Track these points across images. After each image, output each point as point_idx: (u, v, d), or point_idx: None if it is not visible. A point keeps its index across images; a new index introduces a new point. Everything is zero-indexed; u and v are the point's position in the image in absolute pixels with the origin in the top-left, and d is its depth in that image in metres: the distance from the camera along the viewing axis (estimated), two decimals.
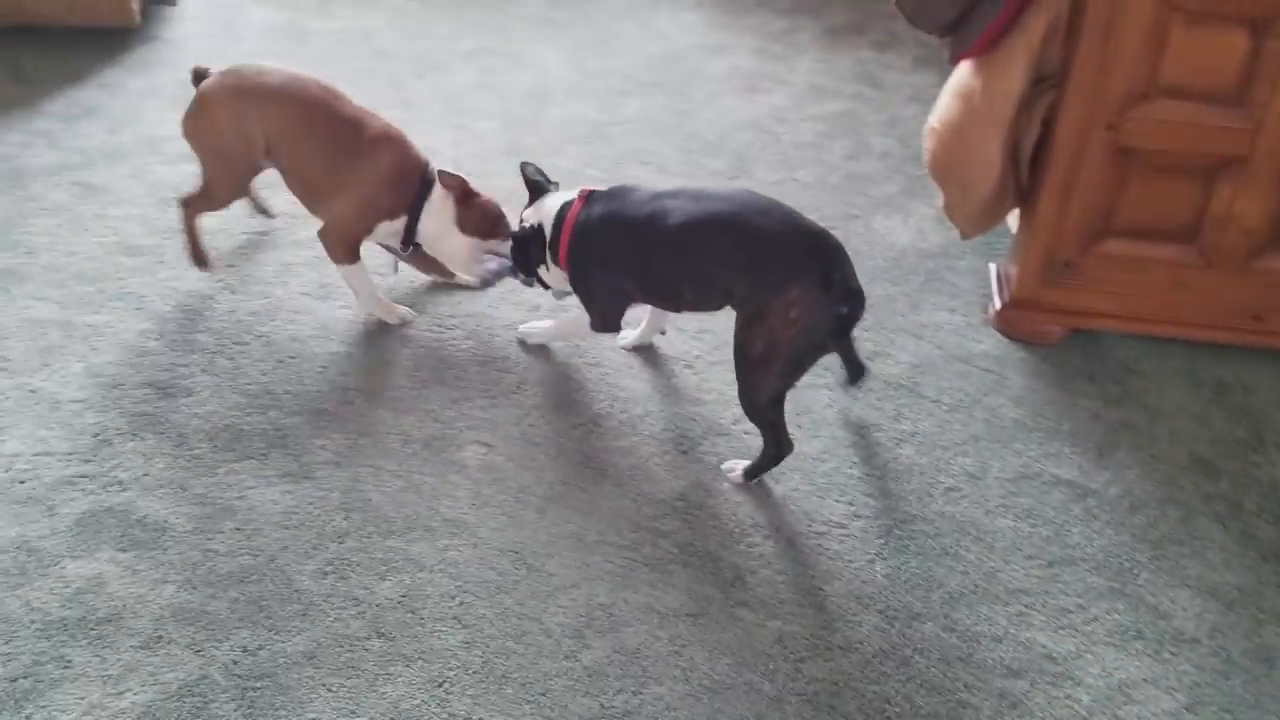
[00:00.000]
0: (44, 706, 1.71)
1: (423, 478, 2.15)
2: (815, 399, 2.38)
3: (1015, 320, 2.58)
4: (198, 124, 2.46)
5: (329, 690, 1.76)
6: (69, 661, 1.78)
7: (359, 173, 2.41)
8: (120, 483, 2.09)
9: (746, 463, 2.19)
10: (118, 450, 2.16)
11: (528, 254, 2.37)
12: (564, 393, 2.37)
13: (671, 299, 2.25)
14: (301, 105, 2.42)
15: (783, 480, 2.19)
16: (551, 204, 2.33)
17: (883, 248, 2.85)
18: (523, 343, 2.50)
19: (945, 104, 2.51)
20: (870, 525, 2.12)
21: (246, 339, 2.45)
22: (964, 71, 2.46)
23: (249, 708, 1.73)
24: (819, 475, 2.21)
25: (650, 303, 2.34)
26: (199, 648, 1.81)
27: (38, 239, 2.69)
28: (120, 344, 2.41)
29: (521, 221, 2.41)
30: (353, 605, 1.90)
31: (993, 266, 2.72)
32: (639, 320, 2.48)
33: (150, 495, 2.07)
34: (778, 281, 2.01)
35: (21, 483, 2.08)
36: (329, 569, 1.96)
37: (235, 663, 1.79)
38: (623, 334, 2.46)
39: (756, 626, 1.92)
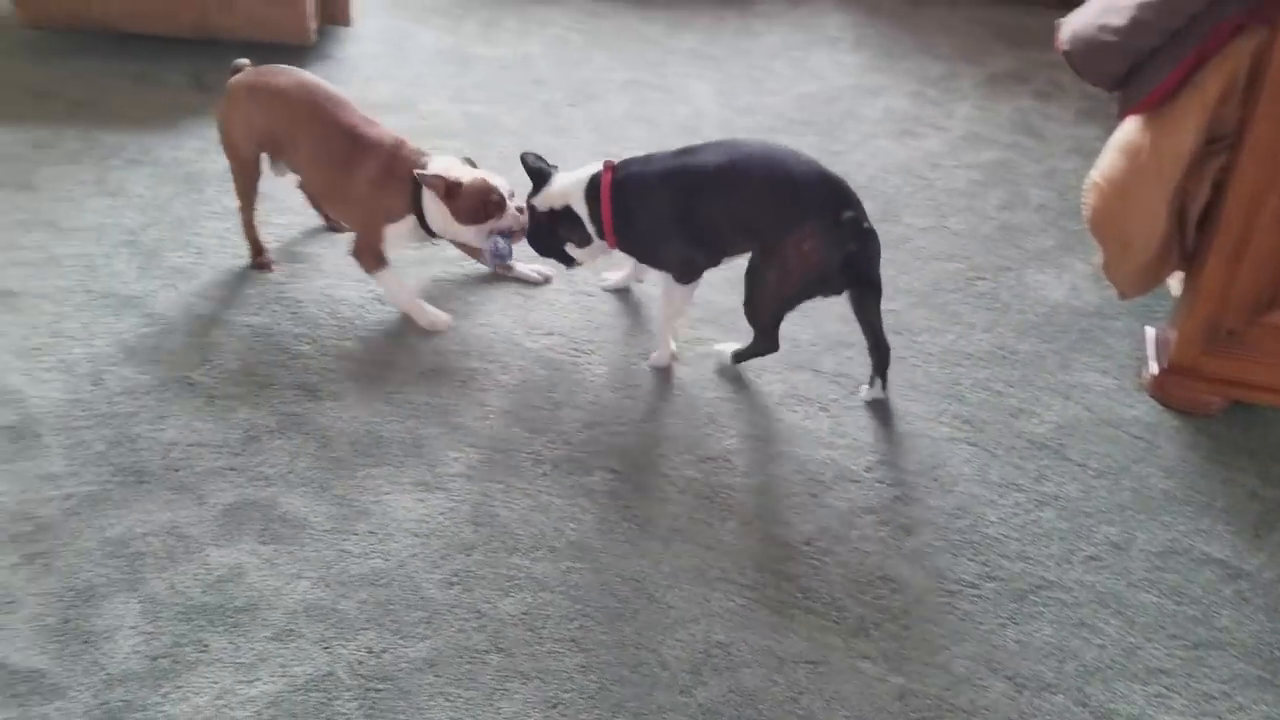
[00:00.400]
0: (179, 687, 1.79)
1: (550, 498, 2.18)
2: (954, 453, 2.32)
3: (1171, 387, 2.47)
4: (219, 114, 2.66)
5: (447, 700, 1.79)
6: (206, 646, 1.85)
7: (354, 181, 2.53)
8: (266, 478, 2.18)
9: (736, 345, 2.47)
10: (265, 446, 2.25)
11: (554, 236, 2.47)
12: (696, 426, 2.37)
13: (715, 244, 2.38)
14: (296, 106, 2.56)
15: (915, 533, 2.14)
16: (571, 183, 2.43)
17: (1034, 302, 2.77)
18: (656, 369, 2.52)
19: (1110, 159, 2.43)
20: (1004, 588, 2.04)
21: (392, 350, 2.53)
22: (1132, 127, 2.38)
23: (370, 708, 1.77)
24: (953, 532, 2.15)
25: (707, 253, 2.42)
26: (327, 644, 1.87)
27: (208, 240, 2.83)
28: (275, 346, 2.51)
29: (532, 209, 2.47)
30: (475, 618, 1.93)
31: (1150, 330, 2.61)
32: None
33: (293, 492, 2.15)
34: (796, 217, 2.22)
35: (176, 470, 2.18)
36: (455, 580, 2.00)
37: (360, 663, 1.84)
38: (606, 276, 2.72)
39: (878, 681, 1.87)
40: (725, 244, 2.39)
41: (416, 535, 2.08)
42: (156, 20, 3.61)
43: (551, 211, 2.45)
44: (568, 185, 2.43)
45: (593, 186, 2.40)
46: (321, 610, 1.92)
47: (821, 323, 2.65)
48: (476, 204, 2.47)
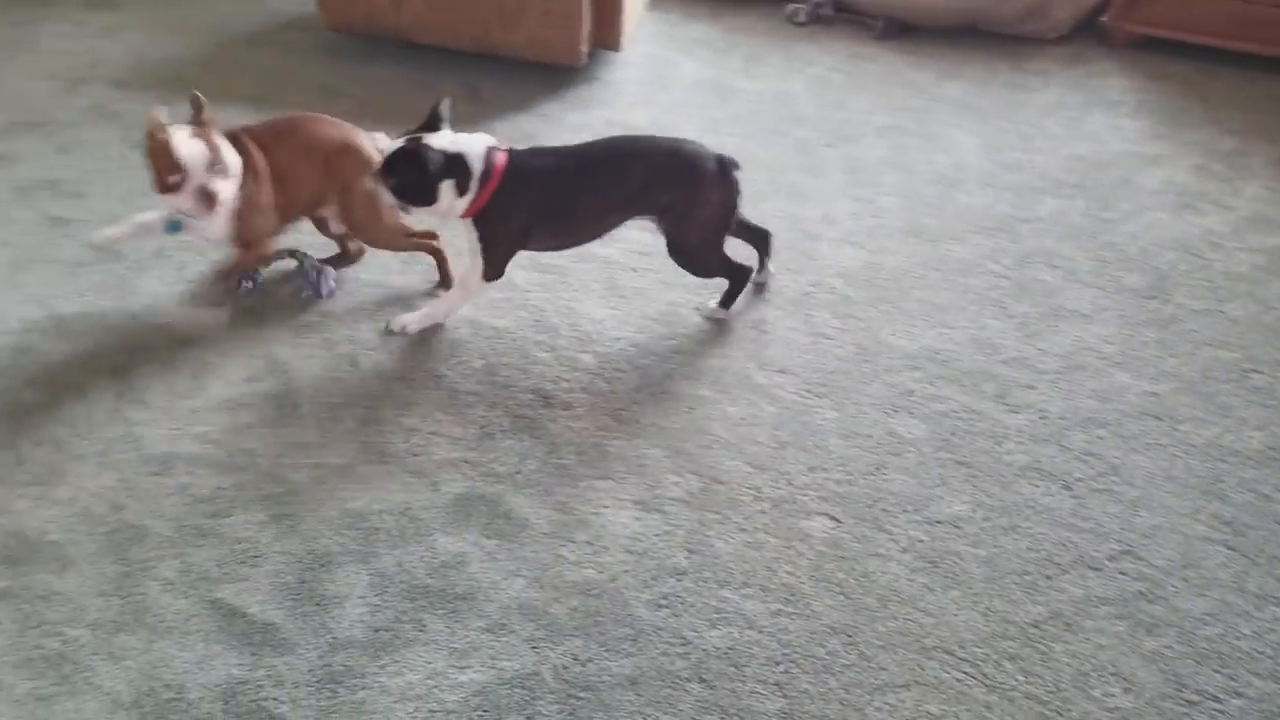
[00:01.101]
0: (396, 661, 1.86)
1: (767, 537, 2.15)
2: (1209, 554, 2.13)
3: None
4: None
5: (644, 719, 1.79)
6: (424, 626, 1.92)
7: None
8: (495, 475, 2.25)
9: (713, 304, 2.76)
10: (498, 445, 2.32)
11: (436, 177, 2.42)
12: (926, 486, 2.28)
13: (587, 229, 2.66)
14: None
15: (1156, 634, 1.98)
16: (470, 144, 2.48)
17: None
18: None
19: None
20: (1251, 707, 1.86)
21: (625, 368, 2.56)
22: None
23: (570, 714, 1.78)
24: (1200, 639, 1.97)
25: (553, 243, 2.71)
26: (535, 645, 1.90)
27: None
28: (517, 350, 2.60)
29: (426, 145, 2.39)
30: (680, 644, 1.92)
31: None
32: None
33: (519, 492, 2.21)
34: (696, 180, 2.55)
35: (415, 455, 2.28)
36: (663, 602, 1.99)
37: (565, 668, 1.86)
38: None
39: None
40: (601, 227, 2.66)
41: (630, 552, 2.09)
42: (443, 33, 3.83)
43: (445, 154, 2.42)
44: (469, 141, 2.48)
45: (489, 156, 2.48)
46: (534, 610, 1.96)
47: (1074, 396, 2.50)
48: (154, 166, 2.35)
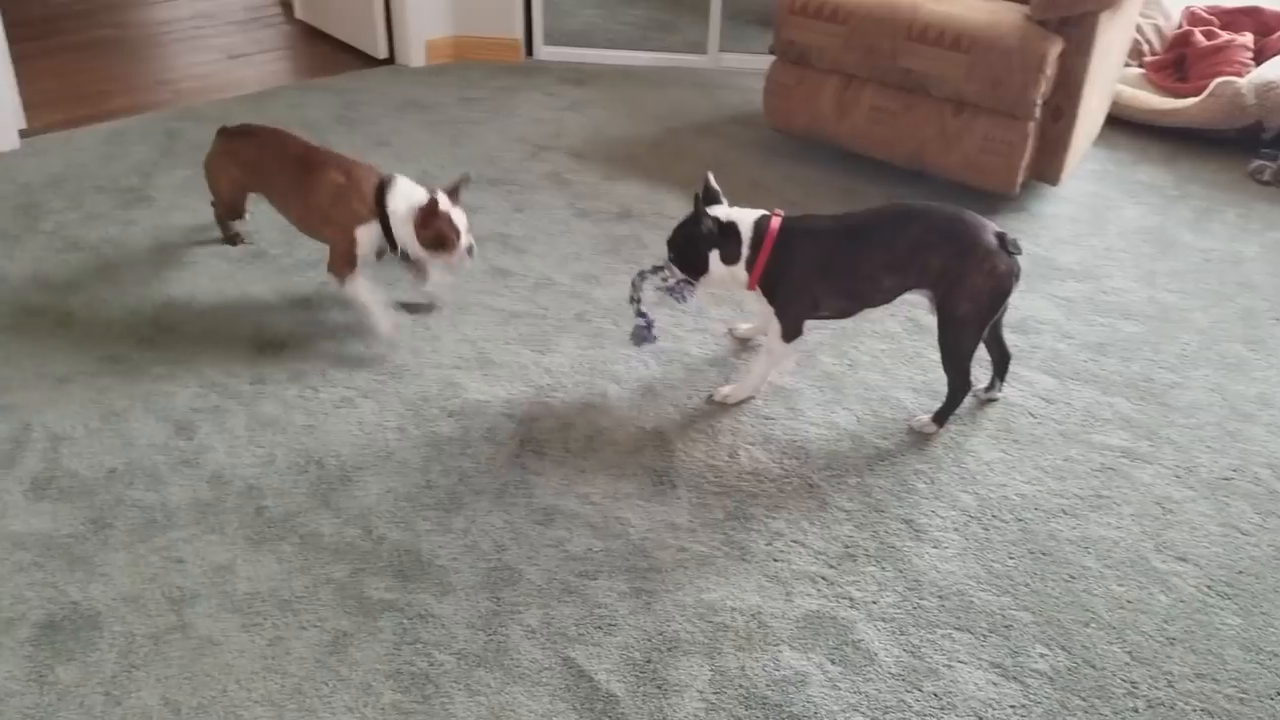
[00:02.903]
0: None
1: None
2: None
3: None
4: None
5: None
6: None
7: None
8: (851, 600, 2.20)
9: (927, 415, 2.72)
10: (858, 569, 2.28)
11: (706, 245, 2.63)
12: None
13: (866, 294, 2.65)
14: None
15: None
16: (744, 214, 2.65)
17: None
18: None
19: None
20: None
21: (1006, 518, 2.43)
22: None
23: None
24: None
25: (839, 305, 2.68)
26: None
27: (861, 356, 2.96)
28: (894, 474, 2.55)
29: (704, 214, 2.60)
30: None
31: None
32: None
33: (872, 623, 2.15)
34: (971, 245, 2.51)
35: (775, 560, 2.29)
36: None
37: None
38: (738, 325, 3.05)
39: None
40: (878, 294, 2.64)
41: (979, 718, 1.96)
42: (878, 146, 3.89)
43: (719, 222, 2.62)
44: (741, 213, 2.66)
45: (760, 224, 2.62)
46: None
47: None
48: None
